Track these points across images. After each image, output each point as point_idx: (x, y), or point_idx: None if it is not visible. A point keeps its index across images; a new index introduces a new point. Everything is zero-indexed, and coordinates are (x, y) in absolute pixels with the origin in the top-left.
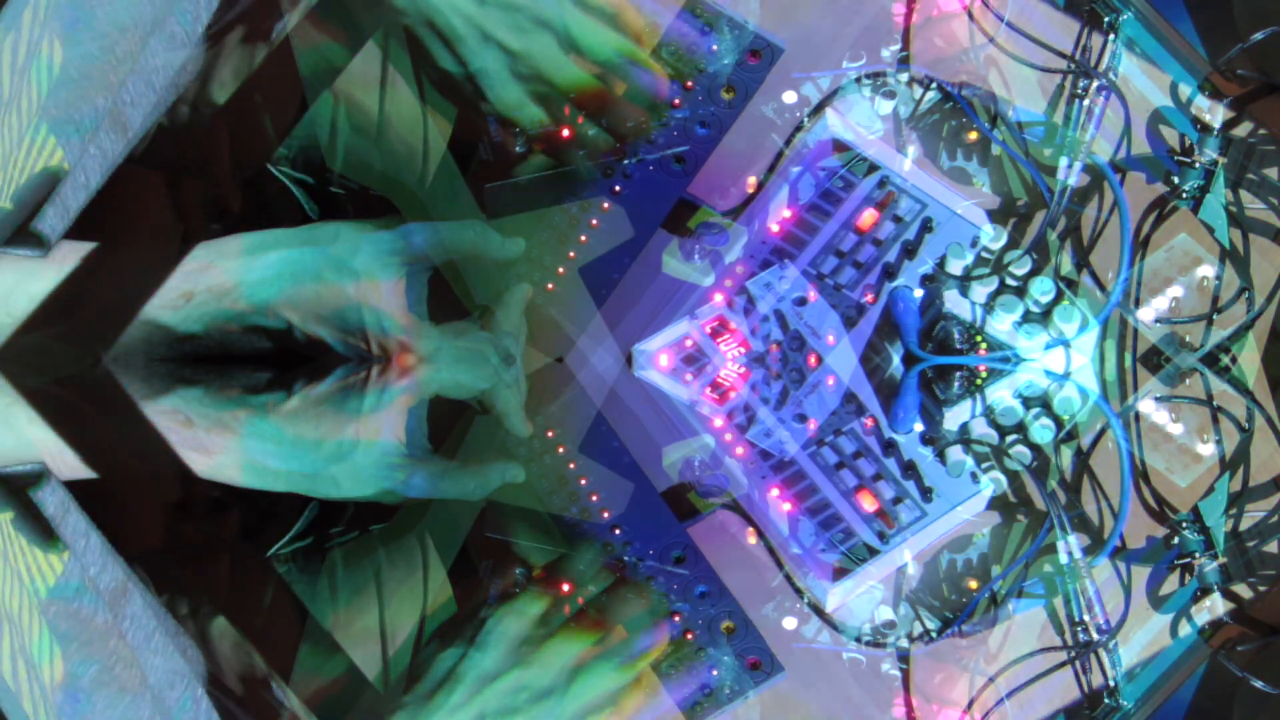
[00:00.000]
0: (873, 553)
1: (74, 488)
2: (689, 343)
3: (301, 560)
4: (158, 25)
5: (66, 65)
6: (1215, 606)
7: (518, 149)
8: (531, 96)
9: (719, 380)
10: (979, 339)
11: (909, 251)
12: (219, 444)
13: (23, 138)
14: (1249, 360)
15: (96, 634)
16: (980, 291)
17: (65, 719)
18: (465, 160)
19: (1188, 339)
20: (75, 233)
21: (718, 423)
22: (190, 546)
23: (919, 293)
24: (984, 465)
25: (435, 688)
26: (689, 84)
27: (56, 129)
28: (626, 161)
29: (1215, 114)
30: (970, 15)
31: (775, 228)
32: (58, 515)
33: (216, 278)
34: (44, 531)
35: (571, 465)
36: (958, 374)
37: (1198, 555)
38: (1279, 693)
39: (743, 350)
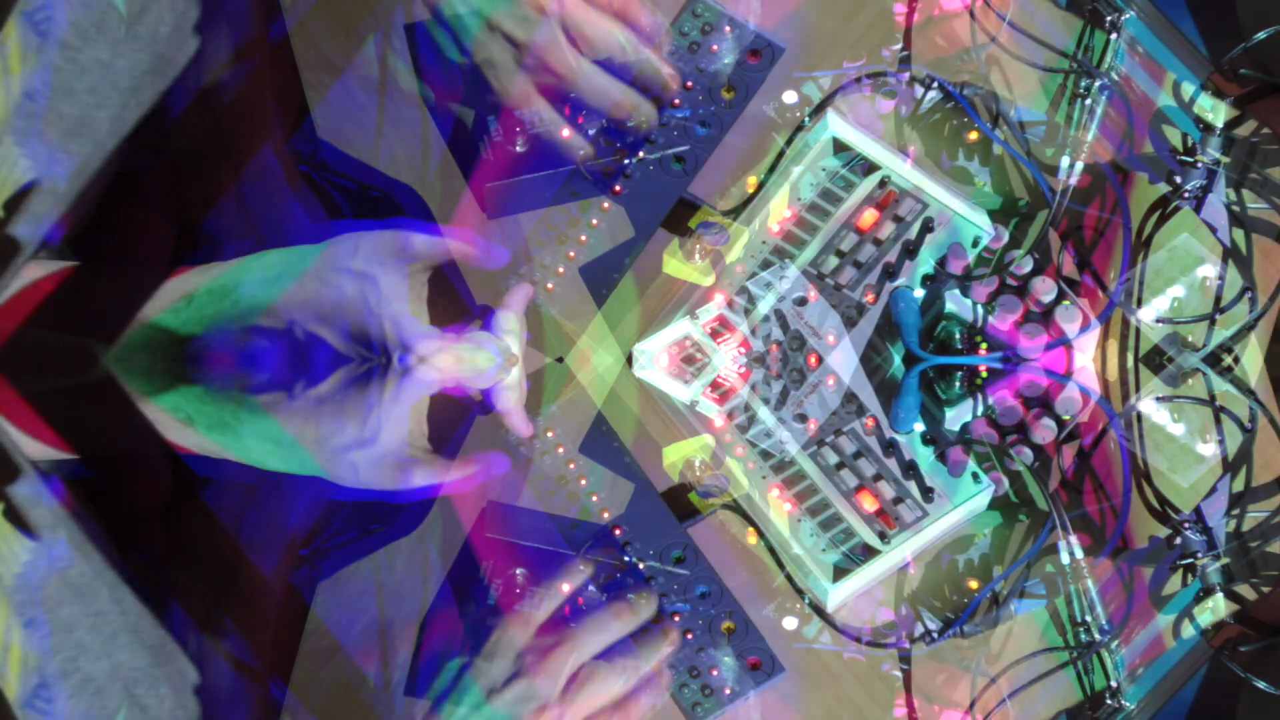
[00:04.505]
0: (873, 553)
1: (71, 486)
2: (689, 343)
3: (300, 559)
4: (133, 29)
5: (31, 73)
6: (1218, 607)
7: (518, 149)
8: (537, 88)
9: (719, 380)
10: (980, 339)
11: (909, 251)
12: (219, 443)
13: None
14: (1251, 360)
15: (65, 624)
16: (981, 291)
17: (30, 708)
18: (465, 160)
19: (1190, 339)
20: (73, 236)
21: (718, 423)
22: (187, 545)
23: (919, 293)
24: (985, 465)
25: (441, 698)
26: (689, 84)
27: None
28: (627, 161)
29: (1217, 113)
30: (972, 14)
31: (775, 228)
32: (28, 505)
33: (216, 279)
34: (16, 520)
35: (571, 465)
36: (958, 374)
37: (1200, 556)
38: None
39: (743, 350)
